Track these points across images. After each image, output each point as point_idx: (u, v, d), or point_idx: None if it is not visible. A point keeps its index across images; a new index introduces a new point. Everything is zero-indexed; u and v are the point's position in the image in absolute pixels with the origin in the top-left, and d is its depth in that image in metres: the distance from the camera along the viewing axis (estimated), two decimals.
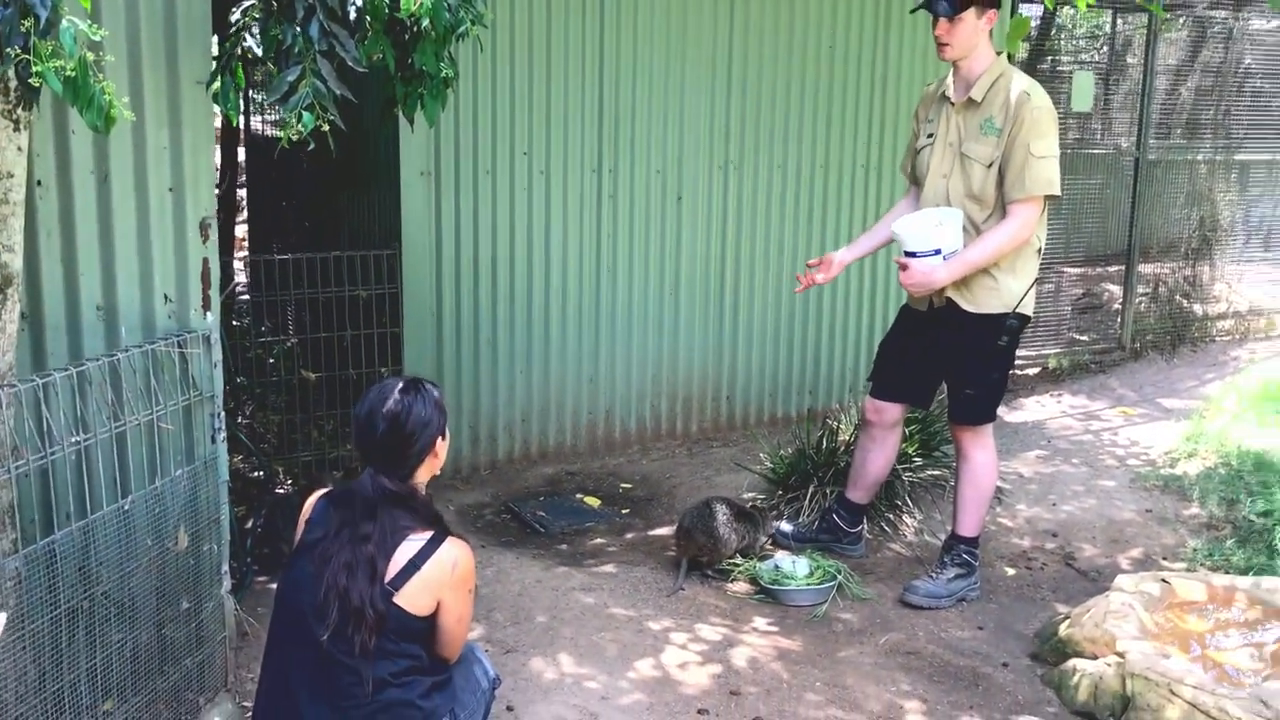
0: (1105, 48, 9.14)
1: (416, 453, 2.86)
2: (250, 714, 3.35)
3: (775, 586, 4.59)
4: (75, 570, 2.77)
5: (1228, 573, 4.74)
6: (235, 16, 2.92)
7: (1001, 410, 7.03)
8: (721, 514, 4.69)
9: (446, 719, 2.88)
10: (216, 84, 3.00)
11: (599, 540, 5.11)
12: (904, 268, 4.44)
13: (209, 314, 3.27)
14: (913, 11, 4.55)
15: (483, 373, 5.73)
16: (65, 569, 2.73)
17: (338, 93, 2.85)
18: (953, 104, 4.49)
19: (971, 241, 4.38)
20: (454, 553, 2.85)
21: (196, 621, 3.28)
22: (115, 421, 2.92)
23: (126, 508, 2.94)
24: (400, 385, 2.88)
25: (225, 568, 3.42)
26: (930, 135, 4.57)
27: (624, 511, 5.46)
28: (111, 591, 2.90)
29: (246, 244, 6.50)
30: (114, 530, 2.91)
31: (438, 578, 2.81)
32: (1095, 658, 3.96)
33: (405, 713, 2.79)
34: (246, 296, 5.07)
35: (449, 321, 5.58)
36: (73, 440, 2.79)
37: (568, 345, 5.96)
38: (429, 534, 2.83)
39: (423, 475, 2.92)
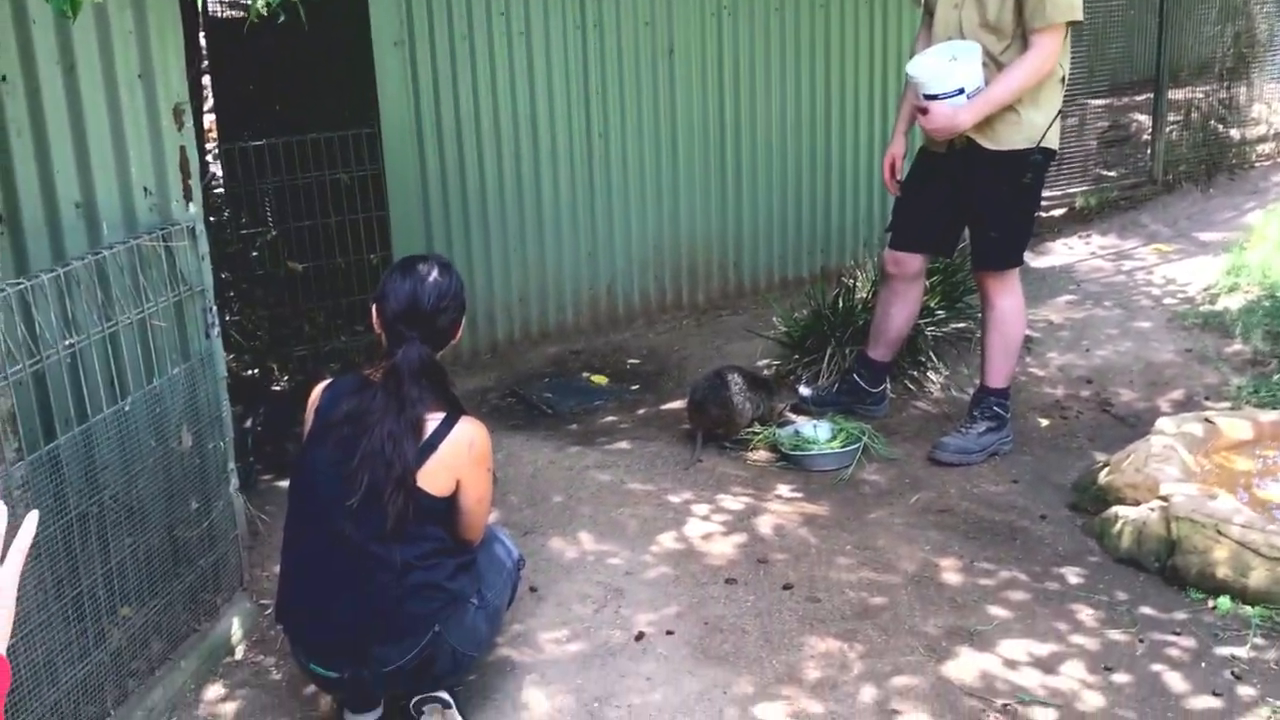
0: None
1: (452, 328, 3.09)
2: (270, 611, 3.55)
3: (797, 452, 4.75)
4: (80, 475, 2.92)
5: (1276, 409, 4.85)
6: None
7: (1027, 256, 7.14)
8: (735, 383, 4.84)
9: (474, 600, 3.07)
10: None
11: (610, 418, 5.28)
12: (925, 112, 4.49)
13: (191, 205, 3.37)
14: None
15: (475, 253, 5.83)
16: (70, 474, 2.88)
17: None
18: None
19: (992, 77, 4.42)
20: (470, 431, 3.02)
21: (207, 521, 3.45)
22: (106, 322, 3.05)
23: (126, 409, 3.08)
24: (436, 260, 3.09)
25: (232, 465, 3.58)
26: None
27: (633, 387, 5.62)
28: (119, 495, 3.06)
29: (215, 134, 6.54)
30: (115, 433, 3.05)
31: (456, 457, 2.98)
32: (1137, 504, 4.09)
33: (432, 595, 2.98)
34: (221, 190, 5.15)
35: (436, 201, 5.66)
36: (65, 344, 2.92)
37: (562, 218, 6.04)
38: (443, 414, 2.99)
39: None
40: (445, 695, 3.07)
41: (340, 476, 2.91)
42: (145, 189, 3.23)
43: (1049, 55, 4.37)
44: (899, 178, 4.91)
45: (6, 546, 1.38)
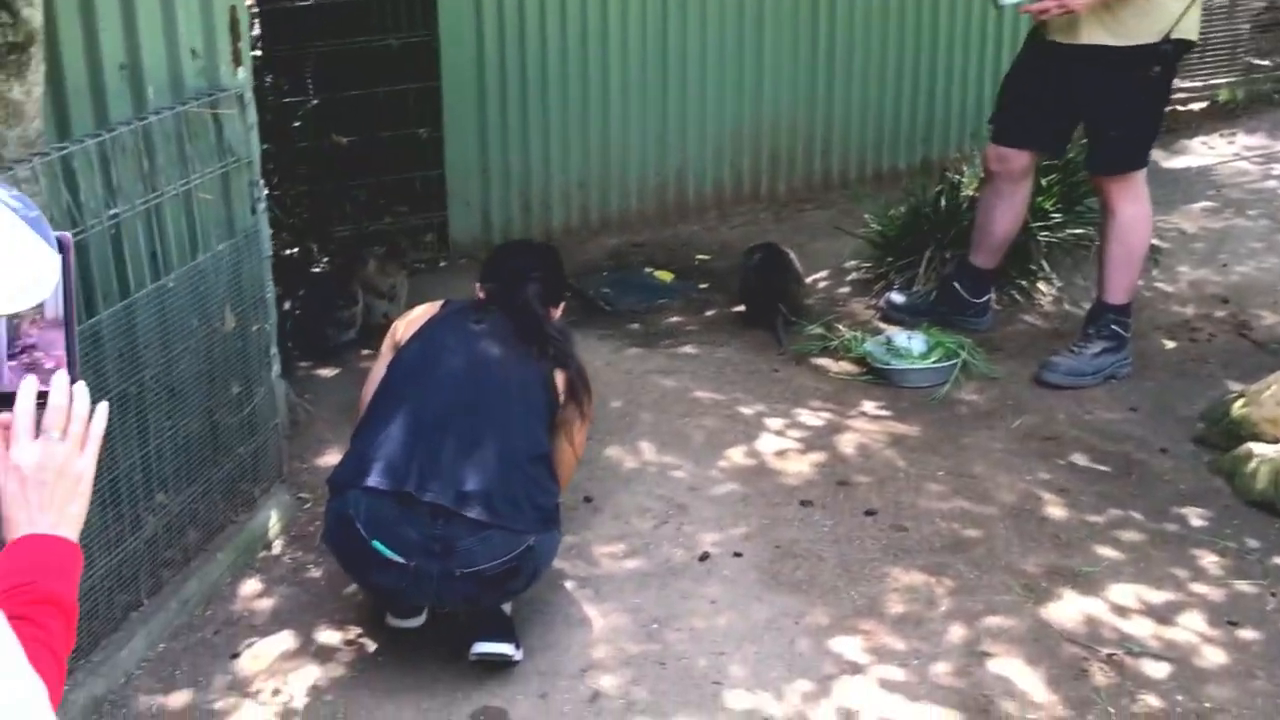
0: None
1: (554, 287, 3.72)
2: (309, 506, 3.85)
3: (887, 366, 4.88)
4: (121, 353, 3.17)
5: None
6: None
7: (1159, 154, 7.13)
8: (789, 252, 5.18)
9: (559, 530, 3.43)
10: None
11: (674, 318, 5.44)
12: None
13: (240, 70, 3.57)
14: None
15: (533, 131, 5.96)
16: (110, 352, 3.12)
17: None
18: None
19: None
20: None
21: (249, 408, 3.70)
22: (150, 192, 3.27)
23: (169, 285, 3.33)
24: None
25: (274, 350, 3.83)
26: None
27: (701, 286, 5.76)
28: (159, 375, 3.31)
29: None
30: (156, 311, 3.29)
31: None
32: (1276, 441, 4.17)
33: (544, 500, 3.30)
34: (259, 52, 5.33)
35: (493, 72, 5.78)
36: (109, 214, 3.15)
37: (630, 97, 6.14)
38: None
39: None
40: (516, 653, 3.28)
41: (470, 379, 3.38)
42: (193, 51, 3.43)
43: None
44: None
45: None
